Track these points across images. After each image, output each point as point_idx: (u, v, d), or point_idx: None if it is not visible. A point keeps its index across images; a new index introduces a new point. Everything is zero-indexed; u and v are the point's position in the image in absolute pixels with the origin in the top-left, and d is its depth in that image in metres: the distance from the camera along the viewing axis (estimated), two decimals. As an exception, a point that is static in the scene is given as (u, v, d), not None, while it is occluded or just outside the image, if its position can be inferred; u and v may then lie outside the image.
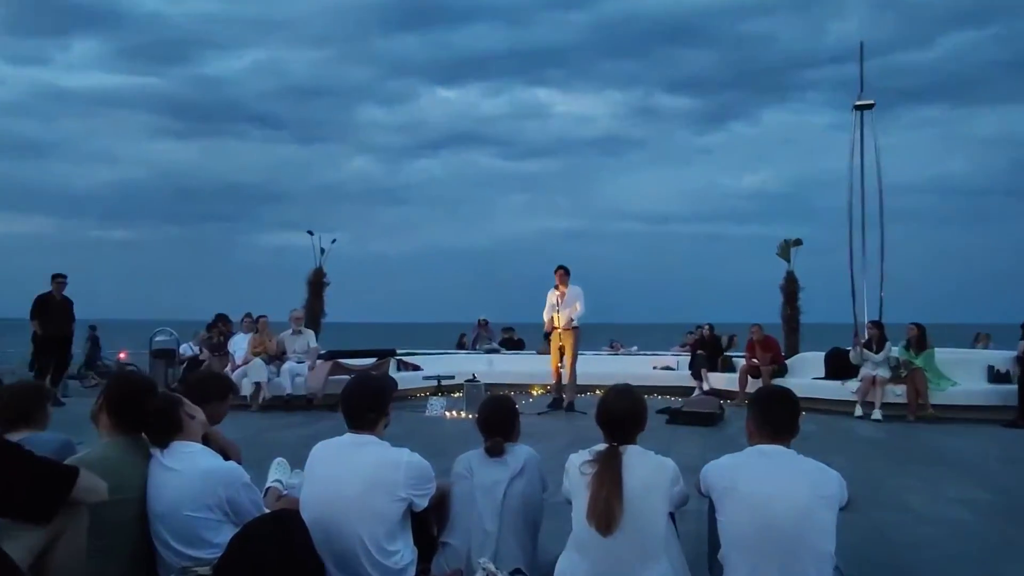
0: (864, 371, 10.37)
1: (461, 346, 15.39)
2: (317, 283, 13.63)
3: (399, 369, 12.56)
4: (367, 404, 3.26)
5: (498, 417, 3.62)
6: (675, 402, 11.19)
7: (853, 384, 10.37)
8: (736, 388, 11.57)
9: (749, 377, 11.44)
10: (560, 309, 10.40)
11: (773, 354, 11.54)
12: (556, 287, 10.55)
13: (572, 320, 10.33)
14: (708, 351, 12.56)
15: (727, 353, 12.92)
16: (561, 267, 10.62)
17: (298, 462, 3.79)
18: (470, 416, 9.68)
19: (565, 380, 10.43)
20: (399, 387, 11.18)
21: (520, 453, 3.59)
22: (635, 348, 15.14)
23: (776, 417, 3.12)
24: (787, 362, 11.75)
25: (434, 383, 11.47)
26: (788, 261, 13.00)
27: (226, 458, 3.35)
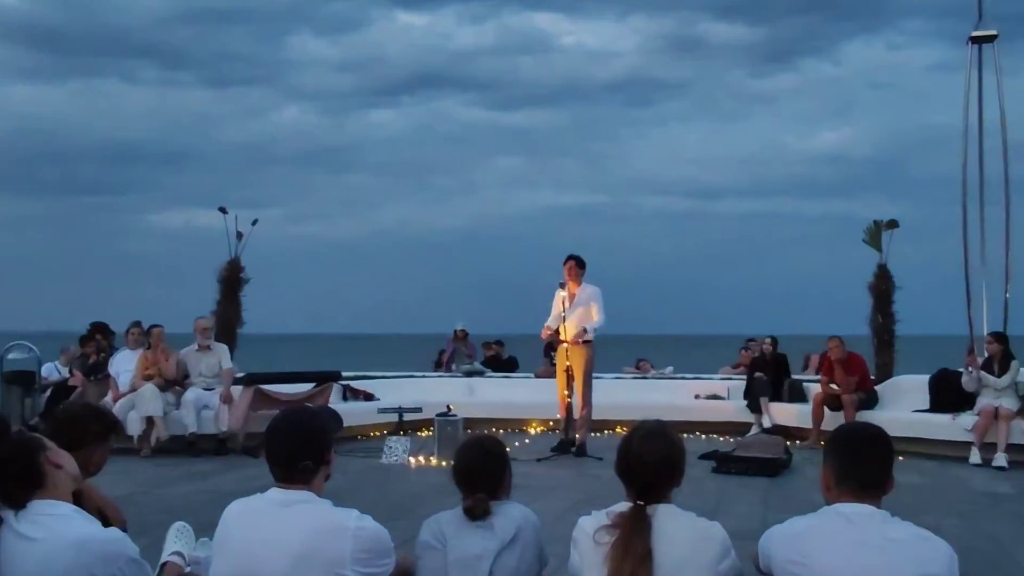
0: (983, 401, 10.47)
1: (440, 366, 15.45)
2: (232, 280, 13.60)
3: (345, 399, 12.58)
4: (301, 448, 3.25)
5: (481, 466, 3.61)
6: (725, 443, 11.27)
7: (968, 419, 10.48)
8: (808, 424, 11.66)
9: (826, 409, 11.53)
10: (568, 315, 10.44)
11: (858, 378, 11.63)
12: (563, 285, 10.58)
13: (585, 331, 10.40)
14: (770, 374, 12.65)
15: (796, 377, 13.00)
16: (571, 258, 10.67)
17: (206, 528, 3.79)
18: (443, 464, 9.69)
19: (575, 414, 10.51)
20: (345, 424, 11.21)
21: (511, 516, 3.56)
22: (670, 369, 15.21)
23: (863, 465, 3.13)
24: (877, 389, 11.85)
25: (394, 418, 11.49)
26: (879, 251, 13.07)
27: (105, 523, 3.33)
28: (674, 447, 3.27)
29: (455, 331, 15.41)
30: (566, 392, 10.42)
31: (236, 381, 11.06)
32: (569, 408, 10.46)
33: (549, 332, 10.91)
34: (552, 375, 11.65)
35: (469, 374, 14.45)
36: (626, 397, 13.02)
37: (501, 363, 15.92)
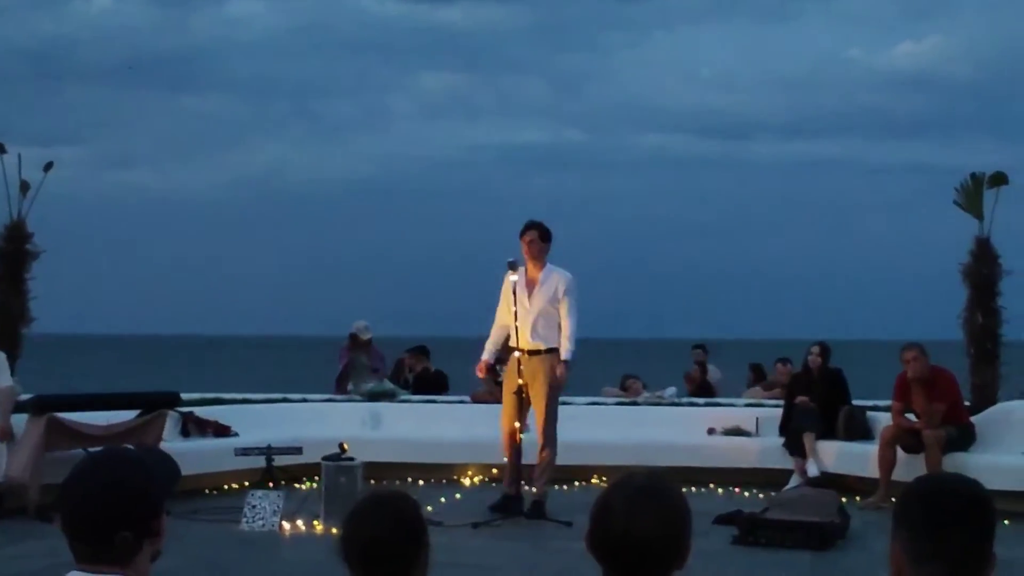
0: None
1: (343, 383, 15.38)
2: (14, 255, 13.41)
3: (186, 434, 12.48)
4: (114, 512, 3.21)
5: (386, 537, 3.60)
6: (751, 501, 11.35)
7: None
8: (873, 473, 11.78)
9: (899, 450, 11.65)
10: (525, 310, 10.43)
11: (947, 405, 11.74)
12: (514, 266, 10.56)
13: (550, 351, 10.54)
14: (818, 398, 12.77)
15: (855, 403, 13.15)
16: (533, 227, 10.72)
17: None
18: (332, 531, 9.68)
19: (534, 457, 10.55)
20: (186, 472, 11.08)
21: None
22: (671, 392, 15.29)
23: (952, 539, 3.16)
24: (974, 420, 12.00)
25: (259, 462, 11.43)
26: (979, 218, 13.21)
27: None
28: (675, 512, 3.29)
29: (351, 335, 15.31)
30: (516, 424, 10.44)
31: (20, 407, 10.93)
32: (519, 448, 10.49)
33: (486, 366, 10.96)
34: (496, 399, 11.64)
35: (373, 397, 14.40)
36: (607, 432, 13.04)
37: (425, 380, 15.89)
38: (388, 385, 14.99)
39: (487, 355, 11.02)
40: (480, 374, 11.28)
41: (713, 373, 17.40)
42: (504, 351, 10.97)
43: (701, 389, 16.58)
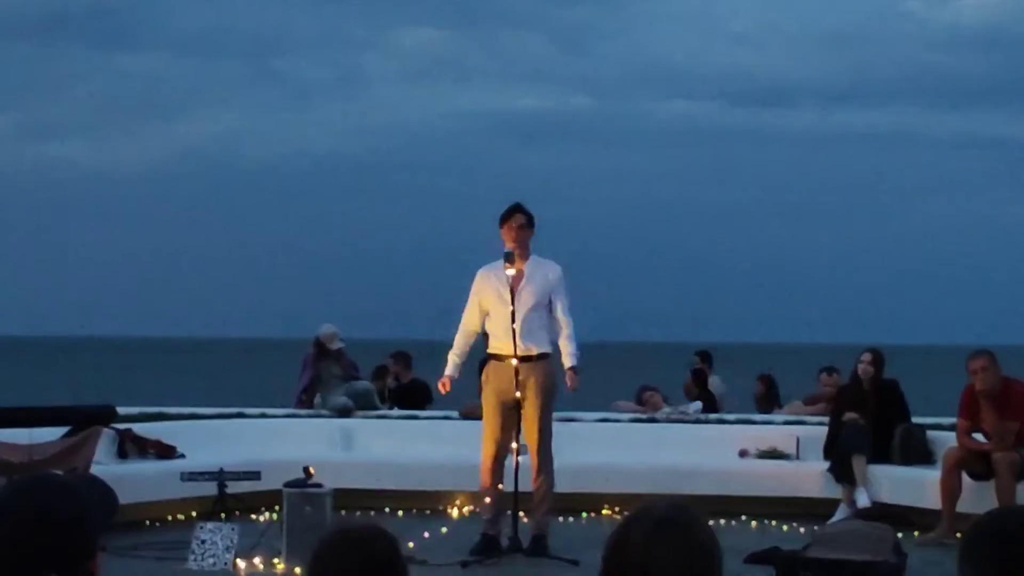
0: None
1: (302, 403, 15.38)
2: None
3: (123, 455, 12.47)
4: (40, 551, 3.22)
5: (357, 572, 3.61)
6: (792, 536, 11.36)
7: None
8: (935, 504, 11.77)
9: (966, 477, 11.64)
10: (513, 310, 10.45)
11: (1023, 422, 11.75)
12: (507, 258, 10.57)
13: (540, 341, 10.58)
14: (870, 414, 12.77)
15: (914, 421, 13.16)
16: (518, 211, 10.77)
17: None
18: (296, 571, 9.68)
19: (530, 483, 10.58)
20: (125, 500, 11.09)
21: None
22: (696, 406, 15.30)
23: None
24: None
25: (211, 489, 11.42)
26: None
27: None
28: (701, 549, 3.30)
29: (317, 339, 15.29)
30: (514, 445, 10.47)
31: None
32: (499, 473, 10.54)
33: (450, 382, 10.98)
34: (480, 415, 11.69)
35: (343, 413, 14.40)
36: (620, 454, 13.05)
37: (404, 392, 15.89)
38: (363, 384, 14.99)
39: (451, 370, 11.01)
40: (443, 390, 11.26)
41: (717, 386, 17.28)
42: (488, 356, 10.95)
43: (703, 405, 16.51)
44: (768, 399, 16.68)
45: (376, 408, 14.88)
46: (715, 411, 15.60)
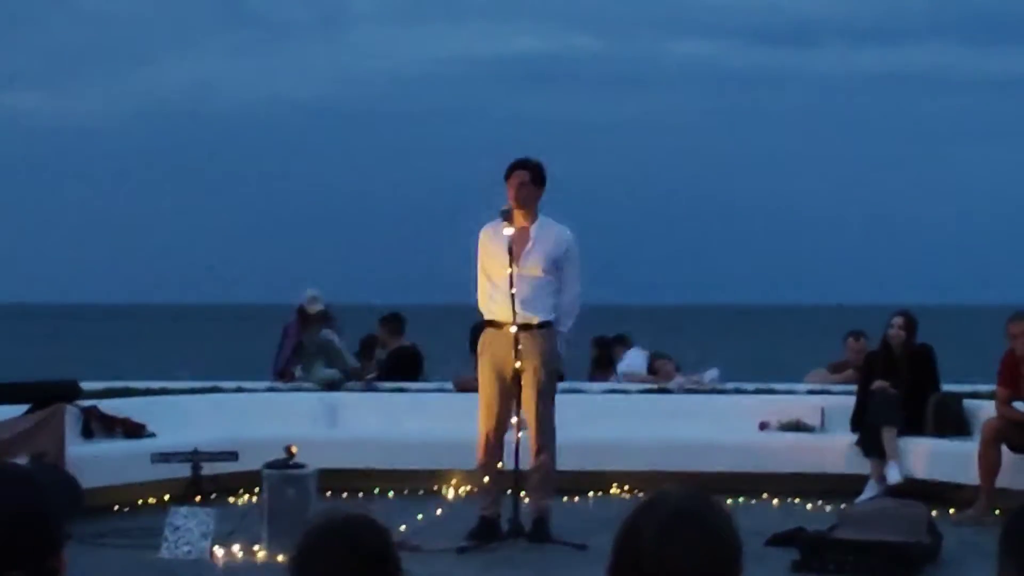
0: None
1: (281, 375, 15.41)
2: None
3: (88, 433, 12.48)
4: (1, 548, 3.24)
5: (345, 570, 3.63)
6: (816, 515, 11.42)
7: None
8: (972, 479, 11.82)
9: (1006, 450, 11.68)
10: (516, 275, 10.46)
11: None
12: (505, 215, 10.58)
13: (549, 325, 10.63)
14: (902, 382, 12.81)
15: (951, 389, 13.18)
16: (522, 166, 10.78)
17: None
18: (279, 559, 9.70)
19: (527, 462, 10.63)
20: (91, 484, 11.12)
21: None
22: (712, 374, 15.33)
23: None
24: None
25: (184, 471, 11.45)
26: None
27: None
28: (721, 540, 3.32)
29: (300, 307, 15.32)
30: (514, 420, 10.50)
31: None
32: (497, 450, 10.59)
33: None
34: (476, 387, 11.73)
35: (330, 385, 14.43)
36: (630, 428, 13.10)
37: (400, 360, 15.92)
38: (351, 360, 15.00)
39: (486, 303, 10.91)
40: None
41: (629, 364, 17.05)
42: (481, 323, 10.97)
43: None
44: (601, 364, 16.67)
45: (342, 363, 14.81)
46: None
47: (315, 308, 14.96)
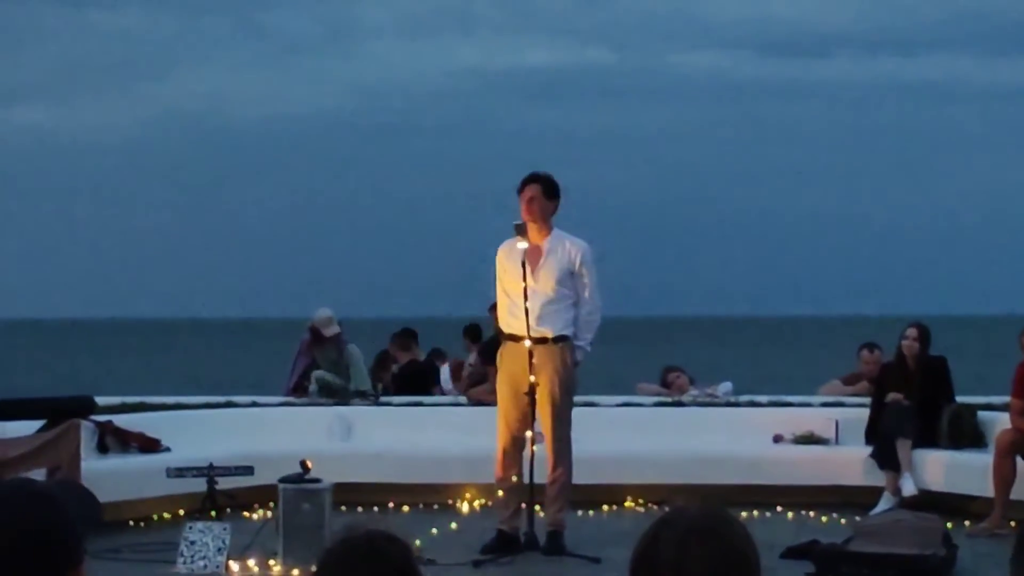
0: None
1: (295, 390, 15.39)
2: None
3: (103, 448, 12.49)
4: (20, 565, 3.23)
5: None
6: (831, 528, 11.39)
7: None
8: (987, 491, 11.76)
9: (1020, 461, 11.63)
10: (530, 289, 10.49)
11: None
12: (519, 230, 10.57)
13: (567, 340, 10.63)
14: (915, 394, 12.76)
15: (966, 400, 13.15)
16: (535, 180, 10.77)
17: None
18: (294, 573, 9.72)
19: (546, 475, 10.60)
20: (105, 499, 11.07)
21: None
22: (726, 387, 15.30)
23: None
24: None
25: (199, 485, 11.43)
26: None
27: None
28: (737, 555, 3.31)
29: (313, 326, 15.32)
30: (528, 433, 10.48)
31: None
32: (514, 464, 10.56)
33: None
34: (490, 399, 11.69)
35: (327, 389, 14.44)
36: (644, 441, 13.05)
37: (411, 375, 15.92)
38: (363, 378, 14.96)
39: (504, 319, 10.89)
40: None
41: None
42: (500, 336, 10.96)
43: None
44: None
45: (360, 379, 14.79)
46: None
47: (330, 331, 14.94)
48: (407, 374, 15.99)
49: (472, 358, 15.98)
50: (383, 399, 14.73)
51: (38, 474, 10.78)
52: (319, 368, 14.92)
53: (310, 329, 15.11)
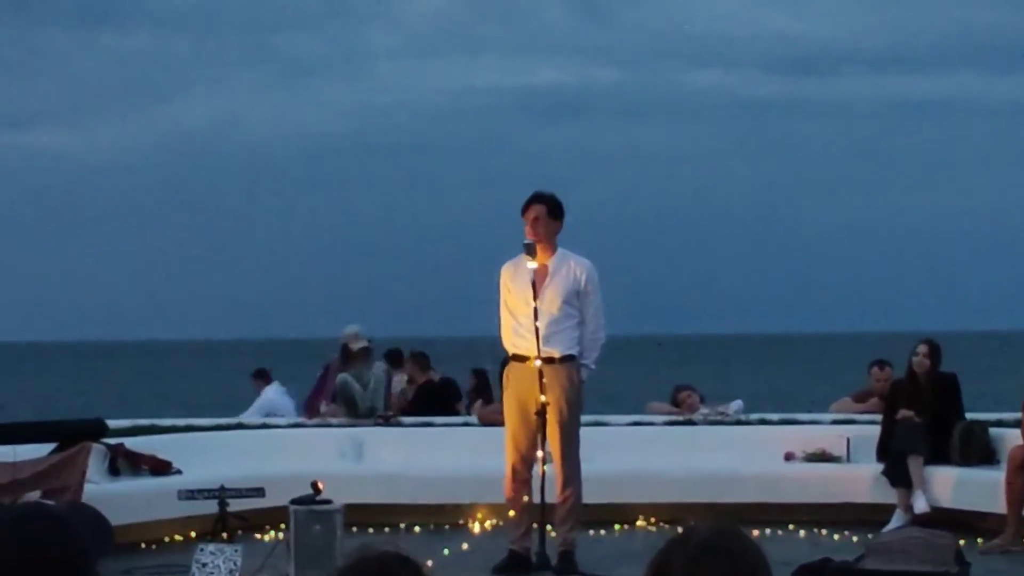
0: None
1: (312, 411, 15.38)
2: None
3: (115, 471, 12.49)
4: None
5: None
6: (843, 545, 11.36)
7: None
8: (999, 508, 11.74)
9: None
10: (538, 309, 10.51)
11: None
12: (528, 250, 10.58)
13: (574, 359, 10.64)
14: (926, 411, 12.76)
15: (977, 417, 13.11)
16: (539, 200, 10.78)
17: None
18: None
19: (554, 495, 10.61)
20: (117, 522, 11.07)
21: None
22: (737, 405, 15.28)
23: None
24: None
25: (211, 507, 11.42)
26: None
27: None
28: (751, 573, 3.30)
29: (345, 345, 15.33)
30: (539, 453, 10.47)
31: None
32: (524, 484, 10.56)
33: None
34: (497, 419, 11.71)
35: (345, 397, 14.49)
36: (655, 460, 13.04)
37: (430, 394, 15.97)
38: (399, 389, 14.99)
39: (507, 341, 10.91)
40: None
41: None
42: (506, 357, 10.96)
43: None
44: (479, 392, 16.26)
45: (382, 398, 14.84)
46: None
47: (358, 345, 14.98)
48: (423, 394, 16.00)
49: (400, 383, 16.20)
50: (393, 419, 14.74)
51: (38, 495, 10.80)
52: (351, 389, 14.96)
53: (341, 348, 15.19)
